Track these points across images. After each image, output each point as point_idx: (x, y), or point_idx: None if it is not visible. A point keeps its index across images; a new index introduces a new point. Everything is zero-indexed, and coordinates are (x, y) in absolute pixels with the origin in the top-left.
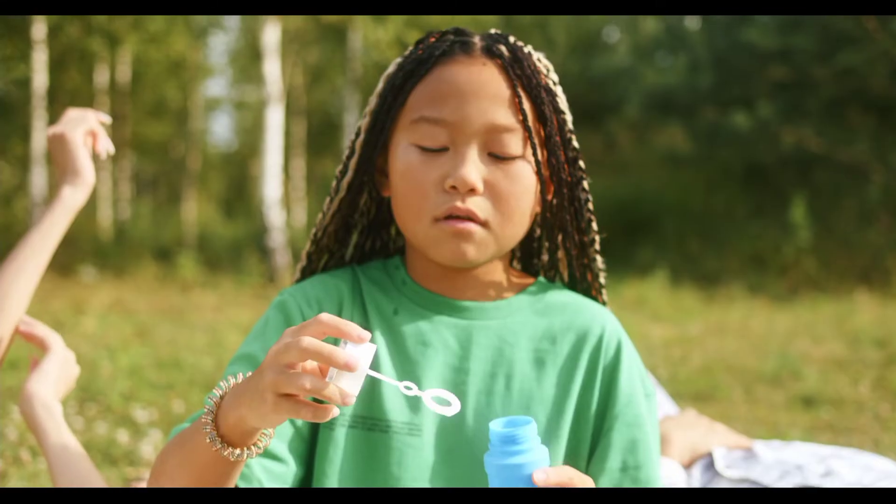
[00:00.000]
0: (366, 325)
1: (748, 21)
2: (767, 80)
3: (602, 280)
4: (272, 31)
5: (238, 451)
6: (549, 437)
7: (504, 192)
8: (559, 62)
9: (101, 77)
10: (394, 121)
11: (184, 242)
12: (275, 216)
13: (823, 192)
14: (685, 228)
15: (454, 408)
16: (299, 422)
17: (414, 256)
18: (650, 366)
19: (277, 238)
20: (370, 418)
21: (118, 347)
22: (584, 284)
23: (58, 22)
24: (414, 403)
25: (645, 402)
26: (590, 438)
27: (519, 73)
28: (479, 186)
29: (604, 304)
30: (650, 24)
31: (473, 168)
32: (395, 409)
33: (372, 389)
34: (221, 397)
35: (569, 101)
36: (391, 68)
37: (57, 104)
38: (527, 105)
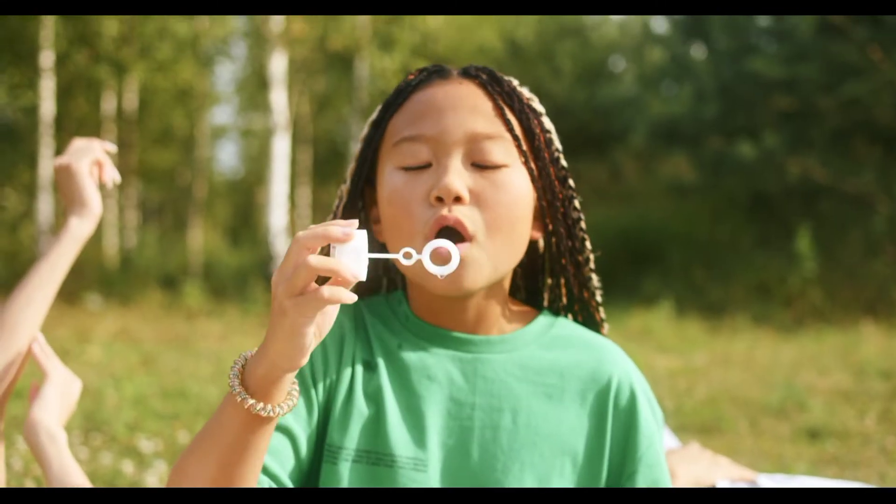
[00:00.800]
0: (370, 359)
1: (753, 51)
2: (773, 109)
3: (599, 298)
4: (279, 60)
5: (269, 406)
6: (553, 473)
7: (491, 201)
8: (565, 91)
9: (109, 105)
10: (376, 151)
11: (189, 270)
12: (280, 245)
13: (829, 222)
14: (690, 258)
15: (453, 264)
16: (302, 453)
17: (415, 290)
18: (655, 398)
19: None
20: (374, 453)
21: (123, 376)
22: (581, 303)
23: (66, 50)
24: (420, 439)
25: (658, 436)
26: (603, 481)
27: (498, 89)
28: (465, 194)
29: (602, 321)
30: (656, 54)
31: (457, 176)
32: (400, 444)
33: (377, 424)
34: (245, 359)
35: (574, 129)
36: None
37: (64, 132)
38: (510, 116)
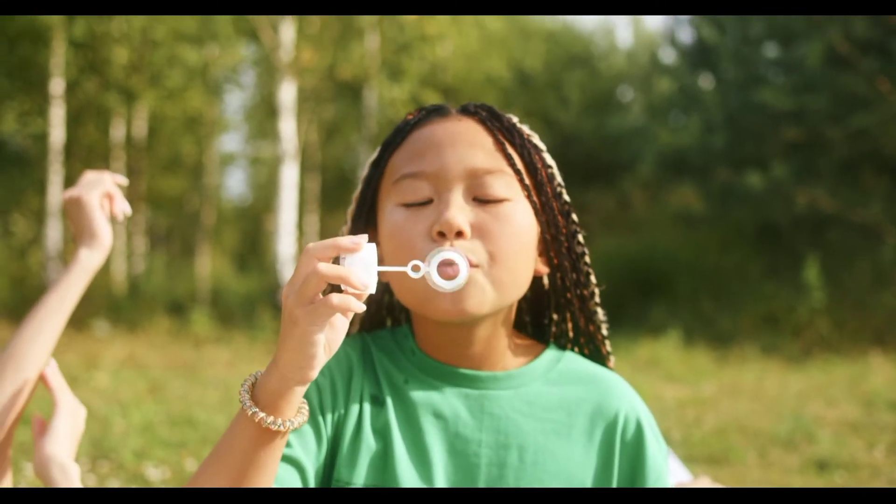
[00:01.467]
0: (378, 394)
1: (761, 81)
2: (781, 140)
3: (604, 331)
4: (288, 89)
5: (279, 419)
6: None
7: (493, 233)
8: (573, 121)
9: (118, 132)
10: (376, 190)
11: (197, 297)
12: (288, 273)
13: (837, 252)
14: (698, 288)
15: (461, 278)
16: (309, 486)
17: (420, 324)
18: (664, 428)
19: None
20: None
21: (131, 403)
22: (587, 336)
23: (76, 77)
24: (427, 475)
25: (665, 470)
26: None
27: (498, 125)
28: (466, 229)
29: (608, 354)
30: (664, 84)
31: (458, 211)
32: (408, 480)
33: (385, 460)
34: (256, 377)
35: (582, 158)
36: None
37: (73, 159)
38: (511, 150)
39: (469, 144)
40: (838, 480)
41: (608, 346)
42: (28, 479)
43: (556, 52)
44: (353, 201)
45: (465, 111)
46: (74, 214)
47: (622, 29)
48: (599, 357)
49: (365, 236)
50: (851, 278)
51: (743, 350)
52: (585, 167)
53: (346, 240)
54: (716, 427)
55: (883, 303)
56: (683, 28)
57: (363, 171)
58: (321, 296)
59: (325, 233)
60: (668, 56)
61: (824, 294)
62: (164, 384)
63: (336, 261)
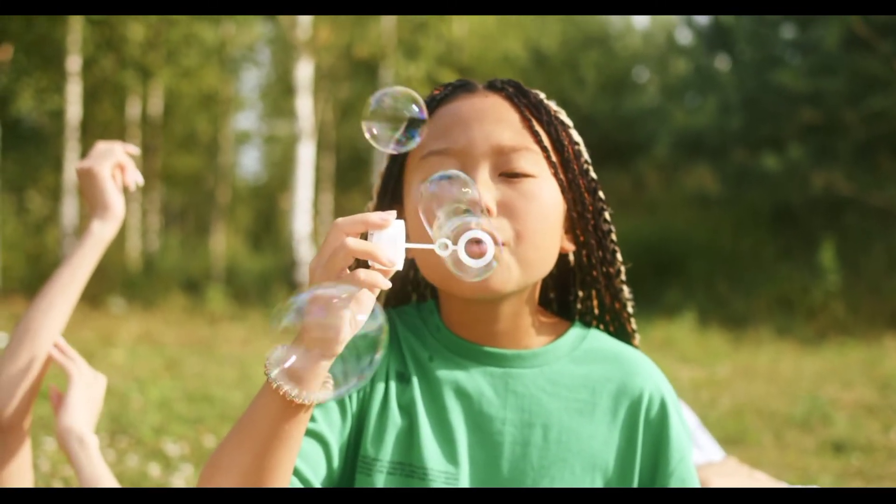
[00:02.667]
0: (404, 370)
1: (778, 63)
2: (797, 122)
3: (630, 309)
4: (305, 67)
5: (304, 392)
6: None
7: (520, 210)
8: (588, 101)
9: (133, 109)
10: (402, 167)
11: (212, 275)
12: (304, 251)
13: (853, 235)
14: (713, 270)
15: (488, 256)
16: (334, 462)
17: (446, 301)
18: None
19: (306, 273)
20: (408, 465)
21: (148, 380)
22: (612, 313)
23: (92, 55)
24: (451, 453)
25: (689, 450)
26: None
27: (525, 101)
28: (492, 206)
29: (634, 332)
30: (680, 65)
31: (485, 189)
32: (433, 458)
33: (411, 437)
34: (281, 351)
35: (598, 140)
36: None
37: (89, 136)
38: (538, 127)
39: (496, 121)
40: (855, 462)
41: (633, 323)
42: (47, 453)
43: (572, 33)
44: (378, 177)
45: (492, 87)
46: (87, 186)
47: None
48: (624, 334)
49: (393, 213)
50: (867, 261)
51: (758, 332)
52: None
53: (375, 216)
54: (731, 408)
55: None
56: None
57: None
58: (348, 270)
59: (340, 212)
60: (685, 37)
61: (839, 277)
62: (181, 361)
63: (364, 236)
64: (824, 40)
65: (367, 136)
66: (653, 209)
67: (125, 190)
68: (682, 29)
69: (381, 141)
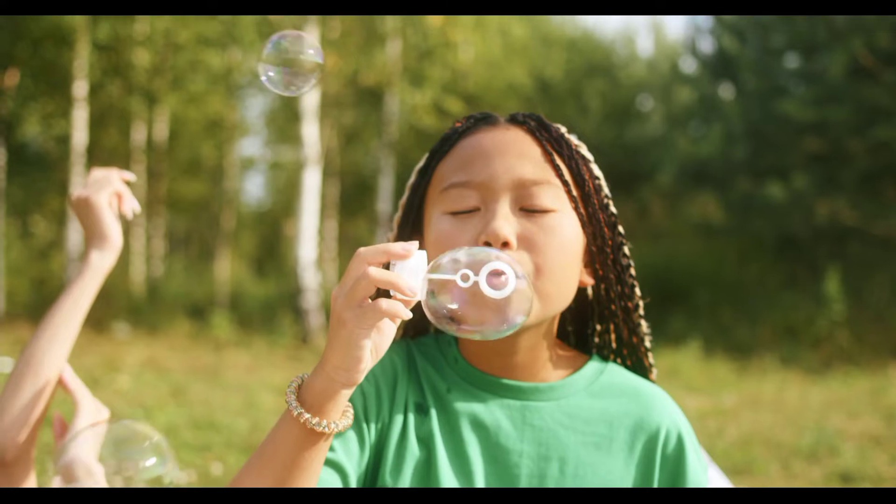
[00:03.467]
0: (422, 402)
1: (782, 92)
2: (802, 152)
3: (647, 343)
4: (311, 94)
5: (325, 421)
6: None
7: (540, 244)
8: (593, 130)
9: (139, 135)
10: (423, 198)
11: (216, 301)
12: (309, 277)
13: (857, 264)
14: (718, 298)
15: (509, 288)
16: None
17: None
18: None
19: (311, 299)
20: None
21: (153, 406)
22: (630, 347)
23: (99, 80)
24: (468, 483)
25: (706, 486)
26: None
27: (546, 135)
28: (512, 240)
29: (651, 366)
30: (684, 94)
31: (504, 221)
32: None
33: (428, 468)
34: (302, 379)
35: (602, 168)
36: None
37: (95, 161)
38: (559, 161)
39: (517, 155)
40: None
41: (651, 357)
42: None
43: (577, 61)
44: (399, 208)
45: (514, 121)
46: (84, 215)
47: (643, 38)
48: (642, 369)
49: (415, 243)
50: (871, 291)
51: (763, 361)
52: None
53: (397, 246)
54: (738, 438)
55: None
56: (704, 38)
57: (410, 179)
58: (370, 300)
59: (344, 238)
60: (689, 65)
61: (844, 306)
62: (186, 387)
63: (386, 266)
64: (829, 70)
65: (262, 78)
66: (657, 237)
67: (122, 217)
68: (687, 58)
69: (276, 84)
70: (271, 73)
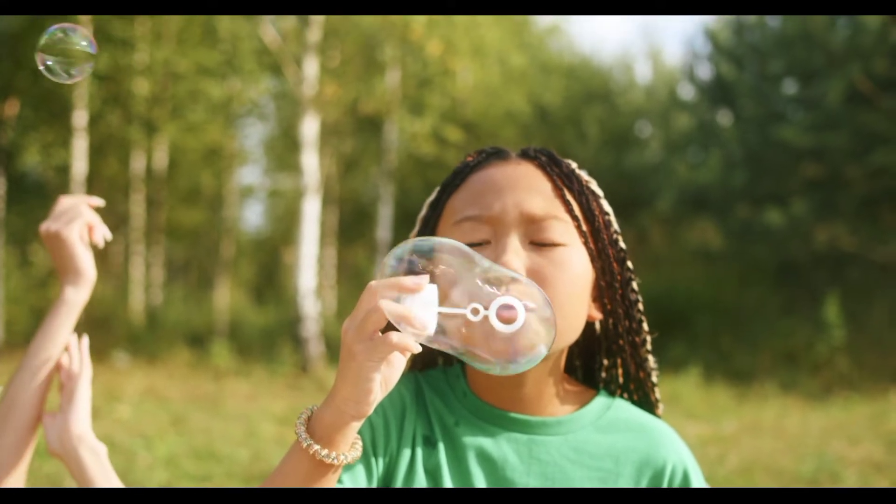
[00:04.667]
0: (430, 435)
1: (780, 119)
2: (800, 178)
3: (654, 379)
4: (311, 123)
5: (334, 453)
6: None
7: (549, 278)
8: (591, 156)
9: (138, 164)
10: (433, 231)
11: (216, 329)
12: (309, 306)
13: (856, 290)
14: (717, 325)
15: (518, 322)
16: None
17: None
18: None
19: (311, 328)
20: None
21: (154, 436)
22: (637, 382)
23: (99, 110)
24: None
25: None
26: None
27: (557, 171)
28: (523, 273)
29: (657, 401)
30: (682, 120)
31: (514, 255)
32: None
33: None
34: (312, 410)
35: None
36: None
37: (95, 190)
38: (569, 197)
39: (527, 189)
40: None
41: (657, 393)
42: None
43: (575, 88)
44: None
45: (525, 155)
46: (55, 250)
47: (641, 64)
48: (648, 404)
49: (426, 277)
50: (871, 316)
51: (763, 387)
52: None
53: (408, 280)
54: (739, 466)
55: None
56: (702, 64)
57: (421, 212)
58: (380, 333)
59: (342, 266)
60: (687, 92)
61: (844, 332)
62: (186, 417)
63: (397, 300)
64: (827, 96)
65: (40, 67)
66: (656, 264)
67: (98, 245)
68: (685, 84)
69: (54, 73)
70: (49, 63)
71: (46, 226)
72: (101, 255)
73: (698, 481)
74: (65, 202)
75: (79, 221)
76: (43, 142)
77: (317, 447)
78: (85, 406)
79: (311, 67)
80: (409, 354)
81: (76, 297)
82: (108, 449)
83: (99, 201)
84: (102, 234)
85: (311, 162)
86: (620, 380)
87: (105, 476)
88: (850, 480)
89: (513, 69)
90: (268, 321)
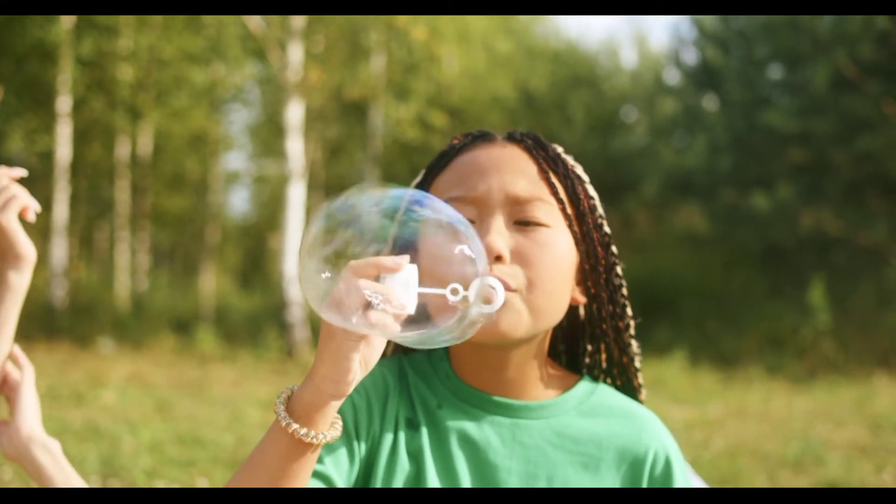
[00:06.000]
0: (413, 417)
1: (766, 103)
2: (786, 162)
3: (637, 364)
4: (295, 109)
5: (313, 432)
6: None
7: (533, 259)
8: (577, 141)
9: (123, 150)
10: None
11: (201, 315)
12: (295, 291)
13: (842, 274)
14: (703, 309)
15: (497, 302)
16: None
17: (455, 347)
18: None
19: (297, 313)
20: None
21: (139, 422)
22: (620, 367)
23: (83, 96)
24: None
25: None
26: None
27: (543, 154)
28: (505, 254)
29: (640, 387)
30: (668, 105)
31: (498, 236)
32: None
33: (417, 481)
34: (292, 390)
35: None
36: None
37: (79, 176)
38: (555, 179)
39: (513, 171)
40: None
41: (640, 378)
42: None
43: (561, 73)
44: None
45: (511, 138)
46: None
47: (626, 49)
48: (631, 389)
49: (406, 257)
50: (856, 300)
51: (748, 371)
52: None
53: (388, 259)
54: (724, 449)
55: (888, 324)
56: (688, 49)
57: None
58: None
59: None
60: (673, 77)
61: (829, 316)
62: (171, 402)
63: (377, 279)
64: (812, 81)
65: None
66: (642, 249)
67: (30, 221)
68: (671, 69)
69: None
70: None
71: None
72: (87, 242)
73: (680, 468)
74: None
75: (14, 204)
76: (27, 128)
77: (296, 426)
78: (31, 405)
79: (296, 53)
80: (388, 335)
81: (20, 281)
82: (93, 435)
83: (22, 171)
84: (34, 208)
85: (296, 147)
86: (604, 365)
87: (62, 472)
88: (834, 463)
89: (498, 54)
90: (253, 307)
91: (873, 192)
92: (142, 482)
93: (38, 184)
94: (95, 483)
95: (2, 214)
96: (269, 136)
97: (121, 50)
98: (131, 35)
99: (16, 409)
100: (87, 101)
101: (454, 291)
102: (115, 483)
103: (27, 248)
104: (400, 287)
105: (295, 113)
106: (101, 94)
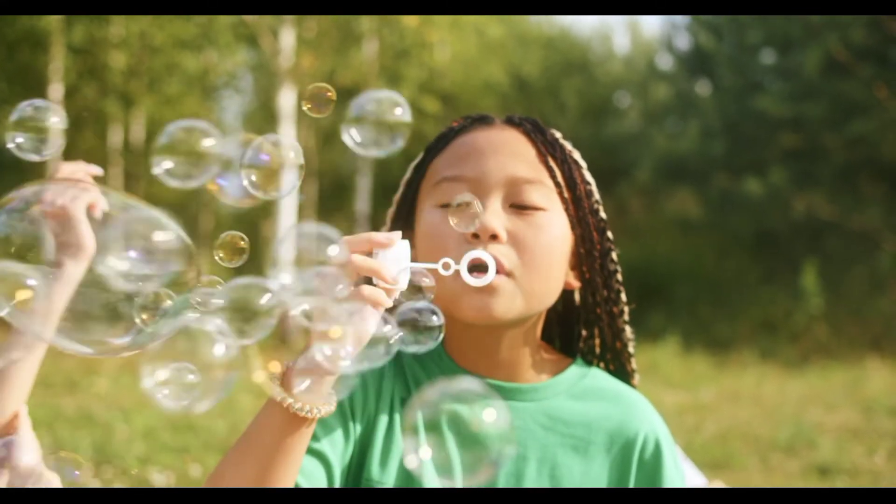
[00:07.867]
0: (407, 397)
1: (758, 88)
2: (778, 147)
3: (631, 349)
4: (288, 95)
5: (307, 406)
6: None
7: (528, 241)
8: (570, 127)
9: (116, 137)
10: (416, 193)
11: None
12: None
13: (834, 259)
14: (696, 294)
15: (490, 275)
16: (335, 482)
17: (449, 329)
18: None
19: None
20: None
21: (132, 409)
22: (613, 352)
23: (75, 83)
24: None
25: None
26: None
27: (541, 138)
28: (502, 233)
29: (633, 371)
30: (661, 90)
31: (494, 216)
32: (431, 483)
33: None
34: (287, 365)
35: None
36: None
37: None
38: (552, 163)
39: (511, 154)
40: (840, 486)
41: (633, 363)
42: None
43: (554, 59)
44: (393, 203)
45: (510, 122)
46: (60, 227)
47: (619, 35)
48: (624, 374)
49: (398, 233)
50: (849, 284)
51: (741, 356)
52: None
53: (380, 235)
54: (717, 433)
55: (880, 309)
56: (680, 34)
57: (405, 175)
58: (353, 287)
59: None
60: (665, 62)
61: (822, 300)
62: None
63: (370, 255)
64: (804, 66)
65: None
66: (635, 234)
67: (97, 218)
68: (663, 54)
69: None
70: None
71: (52, 199)
72: None
73: (670, 451)
74: (65, 169)
75: (85, 197)
76: None
77: (290, 400)
78: (30, 437)
79: (288, 39)
80: (381, 308)
81: (76, 270)
82: (86, 422)
83: (98, 170)
84: (102, 208)
85: (288, 134)
86: (597, 350)
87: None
88: (826, 447)
89: (491, 40)
90: None
91: (866, 177)
92: (135, 468)
93: (30, 172)
94: (88, 470)
95: (72, 203)
96: (262, 123)
97: (112, 37)
98: (123, 22)
99: (18, 437)
100: (79, 88)
101: (445, 266)
102: (108, 469)
103: (89, 240)
104: (392, 262)
105: (287, 99)
106: (93, 82)
